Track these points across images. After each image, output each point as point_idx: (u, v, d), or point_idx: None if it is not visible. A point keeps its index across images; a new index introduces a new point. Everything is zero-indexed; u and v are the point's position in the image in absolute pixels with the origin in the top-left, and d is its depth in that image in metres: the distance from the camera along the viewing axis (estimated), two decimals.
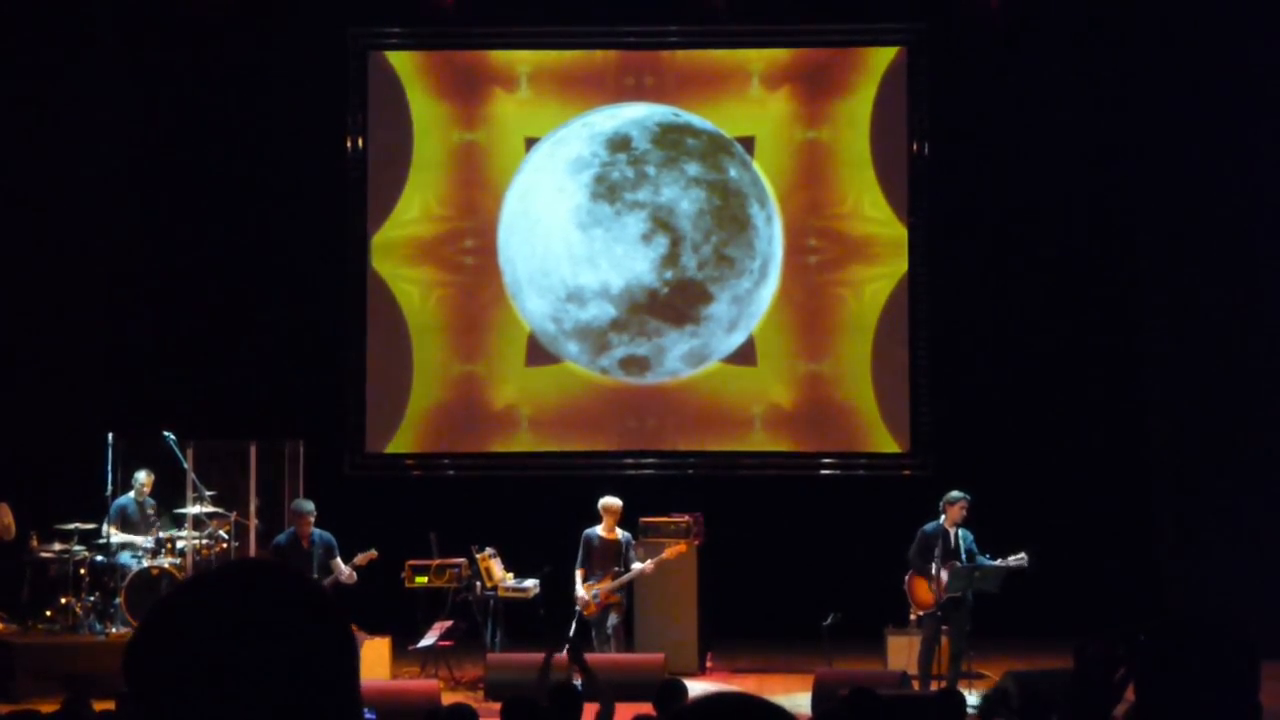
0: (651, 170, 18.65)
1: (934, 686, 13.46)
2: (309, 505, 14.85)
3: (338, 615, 2.05)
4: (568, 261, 18.61)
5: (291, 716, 1.94)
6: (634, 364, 18.58)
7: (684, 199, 18.60)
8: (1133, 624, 3.43)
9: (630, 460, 18.59)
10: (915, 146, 18.50)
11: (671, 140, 18.71)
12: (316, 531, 14.76)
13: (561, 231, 18.64)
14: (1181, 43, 17.51)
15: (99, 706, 8.68)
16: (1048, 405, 18.16)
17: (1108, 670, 3.60)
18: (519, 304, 18.62)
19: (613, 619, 15.17)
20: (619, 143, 18.70)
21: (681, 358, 18.56)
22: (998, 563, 13.94)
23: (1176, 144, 17.53)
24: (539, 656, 13.36)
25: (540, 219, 18.67)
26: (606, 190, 18.65)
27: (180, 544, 15.68)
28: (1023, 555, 13.87)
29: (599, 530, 15.37)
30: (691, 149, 18.69)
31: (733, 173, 18.69)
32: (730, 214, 18.64)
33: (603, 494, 15.56)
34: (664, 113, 18.74)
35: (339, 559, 14.69)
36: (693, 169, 18.65)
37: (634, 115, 18.74)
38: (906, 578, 14.22)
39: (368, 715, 8.82)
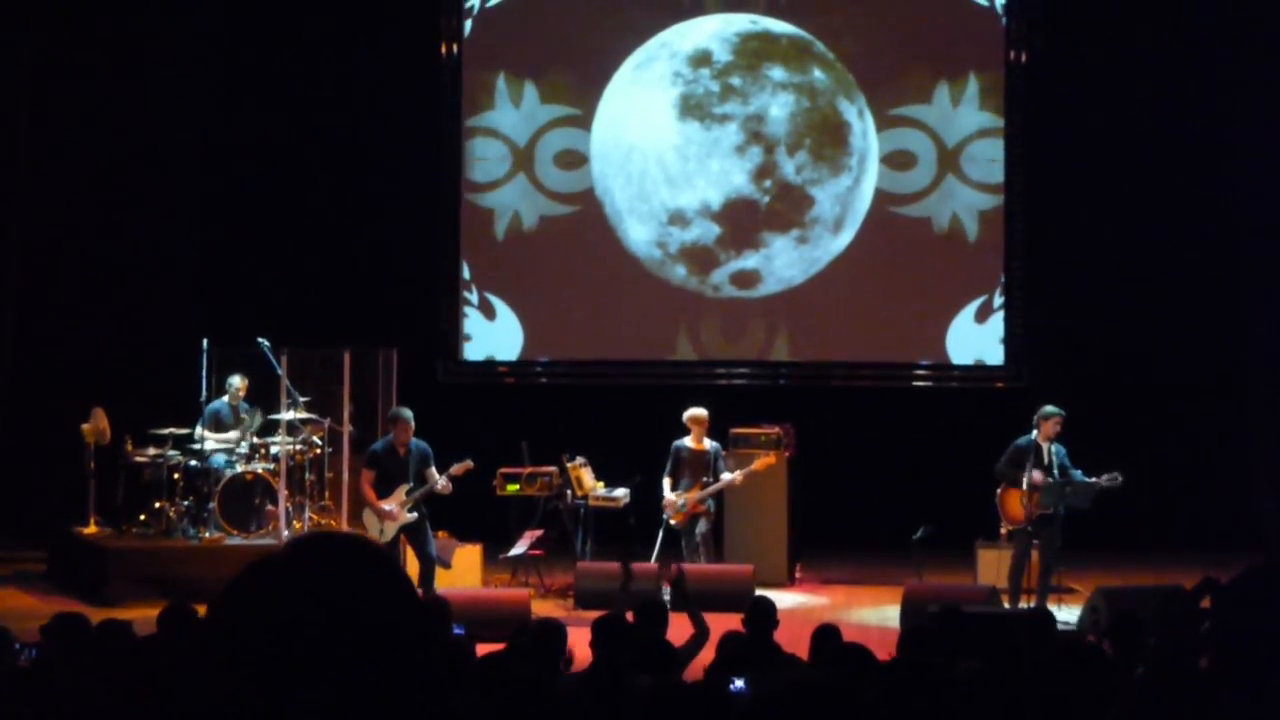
0: (736, 81, 18.49)
1: (1023, 601, 13.40)
2: (408, 413, 14.51)
3: (412, 588, 2.17)
4: (665, 185, 18.52)
5: (367, 684, 2.02)
6: (743, 278, 18.48)
7: (772, 105, 18.45)
8: (1221, 572, 3.38)
9: (722, 370, 18.56)
10: (1013, 54, 18.22)
11: (752, 49, 18.54)
12: (414, 440, 14.61)
13: (656, 154, 18.55)
14: None
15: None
16: (1145, 320, 17.92)
17: (1193, 623, 3.56)
18: (621, 233, 18.58)
19: (701, 526, 15.13)
20: (700, 59, 18.55)
21: (792, 265, 18.45)
22: (1090, 480, 13.77)
23: None
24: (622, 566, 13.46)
25: (634, 146, 18.60)
26: (694, 107, 18.51)
27: (274, 449, 15.76)
28: (1116, 474, 13.66)
29: (688, 441, 15.34)
30: (773, 54, 18.52)
31: (817, 72, 18.51)
32: (820, 114, 18.48)
33: (694, 404, 15.53)
34: (741, 21, 18.58)
35: (434, 469, 14.54)
36: (777, 74, 18.48)
37: (711, 28, 18.59)
38: (998, 492, 14.07)
39: (456, 631, 8.86)
